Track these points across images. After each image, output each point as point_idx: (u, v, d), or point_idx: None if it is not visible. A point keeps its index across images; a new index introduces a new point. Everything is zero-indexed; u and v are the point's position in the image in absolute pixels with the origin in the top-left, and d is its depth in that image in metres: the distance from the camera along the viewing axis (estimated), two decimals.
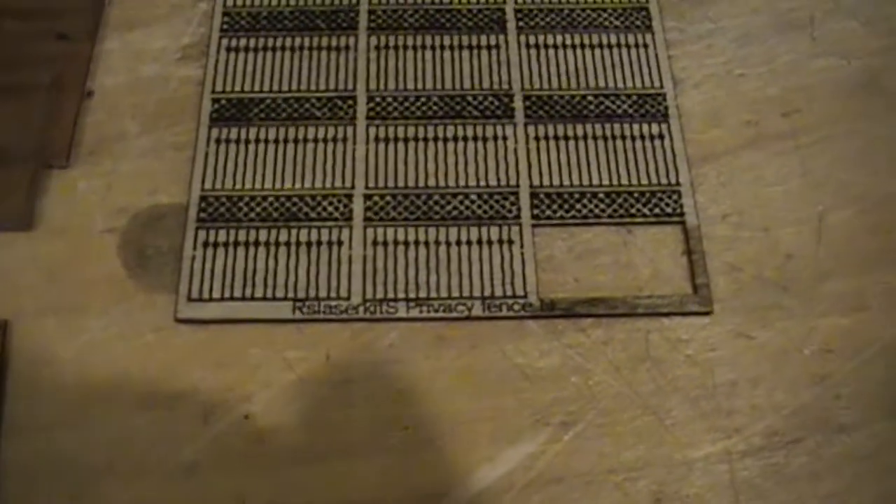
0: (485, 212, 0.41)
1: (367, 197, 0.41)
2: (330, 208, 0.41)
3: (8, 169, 0.43)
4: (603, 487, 0.37)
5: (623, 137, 0.42)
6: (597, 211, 0.41)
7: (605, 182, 0.41)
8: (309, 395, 0.38)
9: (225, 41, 0.45)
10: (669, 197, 0.41)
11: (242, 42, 0.45)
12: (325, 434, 0.38)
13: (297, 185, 0.42)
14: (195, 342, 0.40)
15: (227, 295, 0.40)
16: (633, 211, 0.41)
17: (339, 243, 0.40)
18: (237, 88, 0.44)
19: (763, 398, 0.38)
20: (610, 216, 0.41)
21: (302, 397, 0.38)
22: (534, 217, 0.41)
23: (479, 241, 0.40)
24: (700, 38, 0.46)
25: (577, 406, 0.38)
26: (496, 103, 0.43)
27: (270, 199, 0.41)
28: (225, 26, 0.45)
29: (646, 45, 0.45)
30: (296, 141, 0.42)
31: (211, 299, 0.39)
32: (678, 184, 0.41)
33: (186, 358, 0.39)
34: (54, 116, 0.44)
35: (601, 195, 0.41)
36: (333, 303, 0.39)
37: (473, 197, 0.41)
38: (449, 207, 0.41)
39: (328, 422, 0.38)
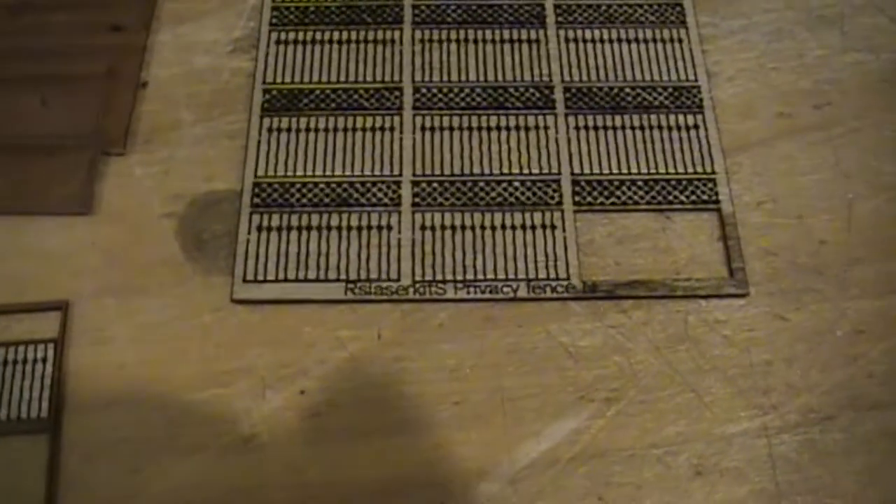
0: (528, 198, 0.42)
1: (415, 183, 0.43)
2: (379, 194, 0.43)
3: (66, 155, 0.45)
4: (645, 461, 0.38)
5: (660, 128, 0.44)
6: (636, 198, 0.42)
7: (644, 170, 0.43)
8: (362, 373, 0.40)
9: (274, 34, 0.47)
10: (705, 185, 0.43)
11: (291, 35, 0.47)
12: (378, 410, 0.39)
13: (348, 172, 0.43)
14: (251, 322, 0.41)
15: (281, 277, 0.41)
16: (670, 198, 0.42)
17: (389, 227, 0.42)
18: (287, 80, 0.46)
19: (798, 377, 0.40)
20: (648, 203, 0.42)
21: (355, 374, 0.40)
22: (575, 203, 0.42)
23: (523, 226, 0.42)
24: (733, 33, 0.47)
25: (620, 383, 0.40)
26: (537, 94, 0.45)
27: (322, 185, 0.43)
28: (274, 20, 0.47)
29: (680, 40, 0.46)
30: (345, 130, 0.44)
31: (266, 281, 0.41)
32: (713, 172, 0.43)
33: (243, 337, 0.41)
34: (110, 105, 0.46)
35: (640, 182, 0.43)
36: (384, 284, 0.41)
37: (517, 184, 0.43)
38: (493, 194, 0.43)
39: (380, 398, 0.40)
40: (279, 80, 0.46)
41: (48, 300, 0.42)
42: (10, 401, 0.41)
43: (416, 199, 0.42)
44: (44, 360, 0.41)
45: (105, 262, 0.43)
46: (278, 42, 0.46)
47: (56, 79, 0.47)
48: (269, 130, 0.44)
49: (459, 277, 0.41)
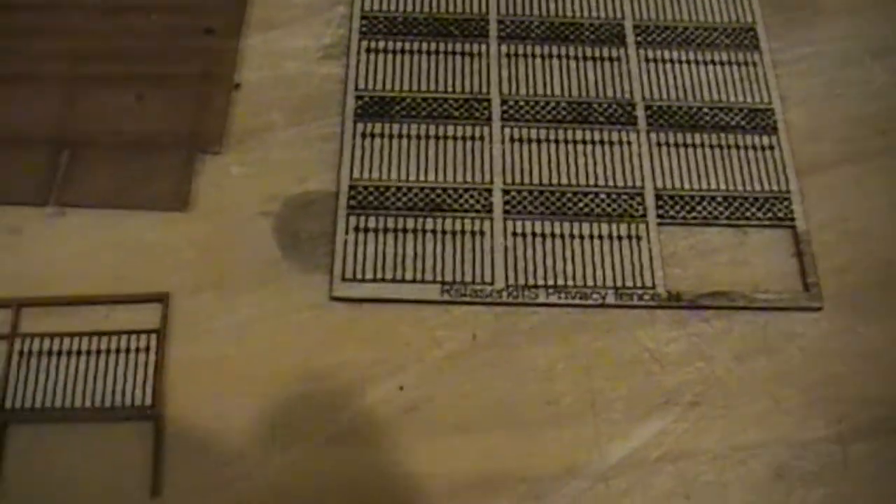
0: (613, 210, 0.45)
1: (506, 192, 0.45)
2: (471, 200, 0.45)
3: (163, 153, 0.46)
4: (728, 463, 0.41)
5: (737, 147, 0.46)
6: (715, 213, 0.45)
7: (722, 187, 0.45)
8: (457, 371, 0.42)
9: (364, 43, 0.49)
10: (780, 203, 0.45)
11: (381, 44, 0.49)
12: (473, 407, 0.41)
13: (440, 178, 0.45)
14: (349, 319, 0.43)
15: (378, 276, 0.43)
16: (747, 214, 0.45)
17: (482, 233, 0.44)
18: (378, 87, 0.47)
19: (871, 388, 0.42)
20: (727, 218, 0.45)
21: (451, 372, 0.42)
22: (659, 216, 0.44)
23: (610, 236, 0.44)
24: (803, 58, 0.50)
25: (703, 388, 0.42)
26: (619, 111, 0.47)
27: (415, 189, 0.45)
28: (364, 29, 0.49)
29: (754, 64, 0.49)
30: (436, 138, 0.46)
31: (364, 280, 0.43)
32: (788, 191, 0.45)
33: (341, 333, 0.43)
34: (206, 106, 0.47)
35: (719, 199, 0.45)
36: (478, 287, 0.43)
37: (603, 196, 0.45)
38: (581, 204, 0.45)
39: (476, 395, 0.41)
40: (370, 86, 0.47)
41: (149, 292, 0.44)
42: (114, 388, 0.42)
43: (507, 207, 0.44)
44: (146, 350, 0.43)
45: (203, 257, 0.44)
46: (368, 50, 0.48)
47: (151, 79, 0.48)
48: (363, 135, 0.46)
49: (550, 283, 0.43)
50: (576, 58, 0.48)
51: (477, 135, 0.46)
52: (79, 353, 0.43)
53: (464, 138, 0.46)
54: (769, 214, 0.44)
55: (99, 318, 0.43)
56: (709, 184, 0.45)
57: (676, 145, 0.46)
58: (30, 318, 0.44)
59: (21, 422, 0.42)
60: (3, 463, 0.41)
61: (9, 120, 0.47)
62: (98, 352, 0.43)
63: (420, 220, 0.44)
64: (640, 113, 0.47)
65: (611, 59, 0.48)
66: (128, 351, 0.43)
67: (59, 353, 0.43)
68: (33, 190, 0.46)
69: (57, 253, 0.45)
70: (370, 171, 0.45)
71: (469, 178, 0.45)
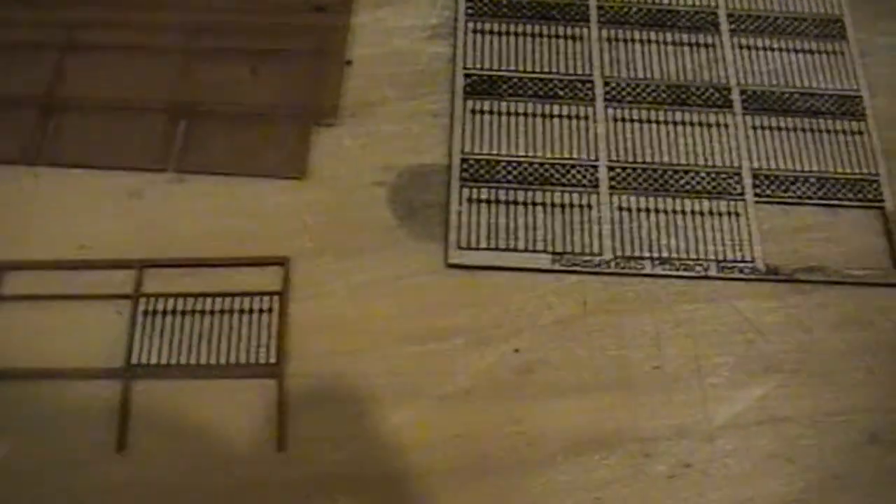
0: (713, 187, 0.47)
1: (610, 168, 0.47)
2: (578, 176, 0.47)
3: (280, 124, 0.48)
4: (825, 426, 0.43)
5: (827, 131, 0.49)
6: (808, 193, 0.47)
7: (815, 168, 0.48)
8: (570, 336, 0.44)
9: (471, 24, 0.51)
10: (869, 185, 0.47)
11: (487, 25, 0.51)
12: (586, 369, 0.43)
13: (548, 154, 0.47)
14: (465, 285, 0.45)
15: (492, 245, 0.45)
16: (838, 195, 0.47)
17: (589, 206, 0.46)
18: (486, 66, 0.50)
19: None
20: (820, 198, 0.47)
21: (564, 337, 0.44)
22: (756, 195, 0.47)
23: (710, 213, 0.46)
24: (890, 48, 0.52)
25: (801, 356, 0.44)
26: (716, 95, 0.49)
27: (525, 164, 0.47)
28: (469, 10, 0.51)
29: (842, 53, 0.51)
30: (543, 116, 0.48)
31: (478, 248, 0.45)
32: (876, 174, 0.48)
33: (457, 298, 0.45)
34: (319, 80, 0.49)
35: (812, 179, 0.47)
36: (587, 257, 0.45)
37: (703, 174, 0.47)
38: (682, 182, 0.47)
39: (587, 359, 0.44)
40: (478, 65, 0.49)
41: (270, 255, 0.45)
42: (238, 347, 0.44)
43: (613, 183, 0.46)
44: (269, 311, 0.44)
45: (321, 223, 0.46)
46: (475, 31, 0.50)
47: (265, 53, 0.50)
48: (473, 112, 0.48)
49: (655, 255, 0.45)
50: (673, 43, 0.50)
51: (581, 114, 0.48)
52: (202, 312, 0.45)
53: (569, 117, 0.48)
54: (859, 195, 0.47)
55: (221, 280, 0.45)
56: (802, 165, 0.47)
57: (770, 128, 0.48)
58: (153, 280, 0.45)
59: (147, 377, 0.43)
60: (129, 418, 0.42)
61: (128, 89, 0.49)
62: (222, 312, 0.45)
63: (530, 192, 0.46)
64: (735, 97, 0.49)
65: (706, 46, 0.50)
66: (251, 311, 0.44)
67: (184, 313, 0.45)
68: (152, 156, 0.48)
69: (177, 217, 0.47)
70: (480, 146, 0.47)
71: (575, 155, 0.47)
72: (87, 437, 0.42)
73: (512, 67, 0.49)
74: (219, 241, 0.46)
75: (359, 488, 0.41)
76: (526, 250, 0.45)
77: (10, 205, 0.47)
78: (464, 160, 0.46)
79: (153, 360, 0.44)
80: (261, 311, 0.44)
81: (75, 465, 0.42)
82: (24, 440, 0.43)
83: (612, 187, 0.46)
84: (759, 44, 0.51)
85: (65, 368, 0.43)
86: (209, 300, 0.45)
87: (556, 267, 0.44)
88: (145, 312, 0.45)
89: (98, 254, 0.46)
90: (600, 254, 0.44)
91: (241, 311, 0.44)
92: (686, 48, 0.50)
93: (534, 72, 0.49)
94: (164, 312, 0.44)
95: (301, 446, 0.42)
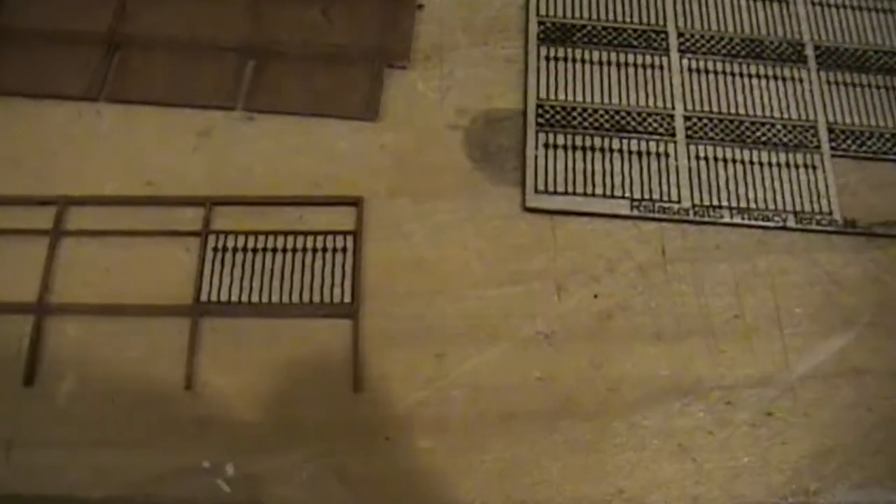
0: (790, 140, 0.46)
1: (687, 118, 0.46)
2: (654, 124, 0.46)
3: (352, 66, 0.48)
4: None
5: None
6: (884, 148, 0.47)
7: (890, 125, 0.47)
8: (649, 283, 0.44)
9: None
10: None
11: None
12: (665, 316, 0.43)
13: (623, 102, 0.47)
14: (542, 229, 0.44)
15: (569, 190, 0.44)
16: None
17: (666, 155, 0.45)
18: (559, 14, 0.49)
19: None
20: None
21: (642, 283, 0.44)
22: (832, 149, 0.46)
23: (787, 165, 0.46)
24: None
25: (878, 310, 0.44)
26: (790, 50, 0.49)
27: (600, 111, 0.46)
28: None
29: None
30: (617, 64, 0.48)
31: (556, 192, 0.44)
32: None
33: (535, 242, 0.44)
34: (390, 23, 0.49)
35: (887, 135, 0.47)
36: (666, 205, 0.44)
37: (779, 127, 0.47)
38: (758, 133, 0.46)
39: (667, 306, 0.43)
40: (552, 13, 0.49)
41: (343, 195, 0.45)
42: (312, 286, 0.43)
43: (689, 132, 0.46)
44: (343, 250, 0.44)
45: (395, 165, 0.45)
46: None
47: None
48: (546, 58, 0.47)
49: (734, 204, 0.44)
50: None
51: (656, 63, 0.48)
52: (274, 251, 0.44)
53: (643, 66, 0.48)
54: None
55: (292, 219, 0.45)
56: (877, 121, 0.47)
57: (845, 84, 0.48)
58: (222, 218, 0.44)
59: (216, 315, 0.42)
60: (198, 354, 0.41)
61: (197, 29, 0.48)
62: (294, 250, 0.44)
63: (606, 139, 0.45)
64: (809, 52, 0.49)
65: (779, 0, 0.50)
66: (324, 250, 0.44)
67: (255, 251, 0.44)
68: (221, 94, 0.47)
69: (247, 156, 0.46)
70: (556, 92, 0.46)
71: (651, 104, 0.46)
72: (155, 373, 0.41)
73: (585, 16, 0.48)
74: (290, 180, 0.45)
75: (437, 430, 0.40)
76: (604, 196, 0.44)
77: (74, 141, 0.47)
78: (539, 106, 0.46)
79: (223, 298, 0.42)
80: (335, 250, 0.43)
81: (142, 402, 0.41)
82: (90, 377, 0.41)
83: (688, 136, 0.46)
84: (833, 1, 0.50)
85: (131, 305, 0.42)
86: (281, 238, 0.44)
87: (635, 213, 0.44)
88: (215, 249, 0.44)
89: (165, 191, 0.45)
90: (678, 201, 0.44)
91: (315, 250, 0.44)
92: (759, 2, 0.50)
93: (607, 20, 0.48)
94: (235, 250, 0.44)
95: (378, 387, 0.41)
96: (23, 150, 0.47)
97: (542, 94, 0.46)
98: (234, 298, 0.42)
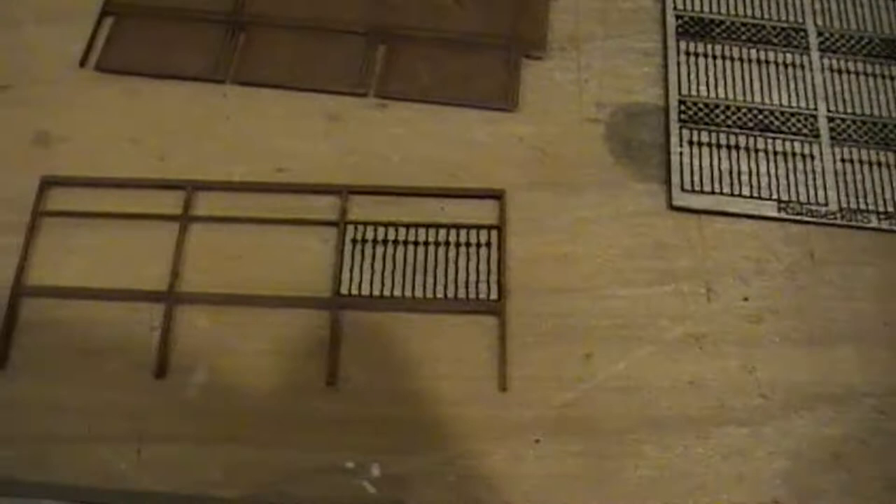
0: None
1: (830, 118, 0.45)
2: (798, 125, 0.45)
3: (486, 54, 0.46)
4: None
5: None
6: None
7: None
8: (797, 286, 0.43)
9: None
10: None
11: None
12: (815, 321, 0.42)
13: (766, 101, 0.46)
14: (688, 228, 0.43)
15: (715, 189, 0.43)
16: None
17: (811, 156, 0.44)
18: (697, 8, 0.48)
19: None
20: None
21: (791, 287, 0.43)
22: None
23: None
24: None
25: None
26: None
27: (743, 109, 0.45)
28: None
29: None
30: (758, 62, 0.47)
31: (702, 191, 0.43)
32: None
33: (681, 241, 0.43)
34: (525, 12, 0.47)
35: None
36: (813, 207, 0.43)
37: None
38: None
39: (816, 311, 0.42)
40: (689, 7, 0.48)
41: (485, 188, 0.43)
42: (456, 281, 0.42)
43: (833, 134, 0.45)
44: (487, 245, 0.42)
45: (534, 157, 0.44)
46: None
47: None
48: (686, 53, 0.46)
49: (881, 209, 0.43)
50: None
51: (797, 62, 0.47)
52: (415, 243, 0.42)
53: (784, 65, 0.46)
54: None
55: (433, 211, 0.43)
56: None
57: None
58: (357, 207, 0.43)
59: (356, 309, 0.41)
60: (340, 346, 0.40)
61: (322, 11, 0.47)
62: (436, 244, 0.42)
63: (751, 138, 0.44)
64: None
65: None
66: (468, 245, 0.42)
67: (395, 243, 0.42)
68: (352, 80, 0.46)
69: (380, 143, 0.45)
70: (697, 88, 0.45)
71: (794, 103, 0.45)
72: (293, 367, 0.40)
73: (723, 11, 0.47)
74: (426, 170, 0.44)
75: (587, 433, 0.39)
76: (751, 196, 0.43)
77: (197, 122, 0.45)
78: (681, 102, 0.45)
79: (364, 292, 0.41)
80: (478, 244, 0.42)
81: (279, 397, 0.40)
82: (222, 369, 0.40)
83: (832, 138, 0.45)
84: None
85: (265, 295, 0.41)
86: (423, 231, 0.42)
87: (782, 215, 0.43)
88: (353, 241, 0.42)
89: (297, 178, 0.44)
90: (825, 204, 0.43)
91: (458, 245, 0.42)
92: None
93: (745, 16, 0.47)
94: (375, 241, 0.42)
95: (524, 387, 0.40)
96: (143, 129, 0.45)
97: (684, 90, 0.45)
98: (376, 292, 0.41)
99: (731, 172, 0.43)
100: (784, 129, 0.45)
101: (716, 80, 0.46)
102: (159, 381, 0.40)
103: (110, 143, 0.45)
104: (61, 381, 0.41)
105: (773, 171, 0.44)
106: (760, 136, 0.44)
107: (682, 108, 0.45)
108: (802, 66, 0.46)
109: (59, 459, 0.39)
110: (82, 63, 0.47)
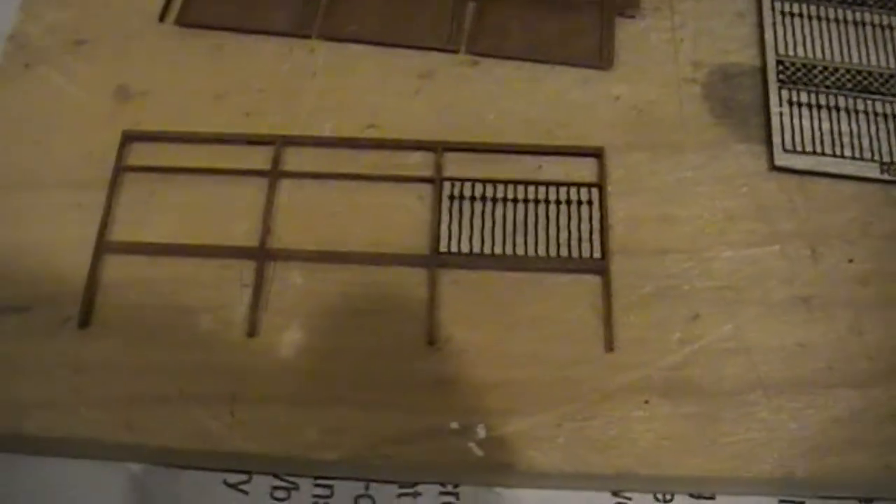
0: None
1: None
2: None
3: (578, 12, 0.45)
4: None
5: None
6: None
7: None
8: None
9: None
10: None
11: None
12: None
13: (864, 62, 0.45)
14: (790, 189, 0.42)
15: (817, 150, 0.42)
16: None
17: None
18: None
19: None
20: None
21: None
22: None
23: None
24: None
25: None
26: None
27: (842, 70, 0.45)
28: None
29: None
30: (854, 23, 0.46)
31: (803, 152, 0.42)
32: None
33: (785, 203, 0.42)
34: None
35: None
36: None
37: None
38: None
39: None
40: None
41: (584, 146, 0.42)
42: (558, 239, 0.41)
43: None
44: (589, 203, 0.41)
45: (631, 116, 0.43)
46: None
47: None
48: (782, 13, 0.45)
49: None
50: None
51: (893, 24, 0.45)
52: (515, 200, 0.41)
53: (881, 26, 0.46)
54: None
55: (530, 169, 0.42)
56: None
57: None
58: (453, 164, 0.42)
59: (455, 267, 0.40)
60: (440, 305, 0.40)
61: None
62: (536, 201, 0.41)
63: (850, 100, 0.43)
64: None
65: None
66: (568, 202, 0.41)
67: (494, 200, 0.41)
68: (442, 37, 0.45)
69: (473, 101, 0.44)
70: (794, 49, 0.44)
71: (892, 65, 0.44)
72: (392, 327, 0.39)
73: None
74: (521, 128, 0.43)
75: (698, 396, 0.38)
76: (853, 157, 0.42)
77: (284, 79, 0.44)
78: (779, 62, 0.44)
79: (463, 249, 0.40)
80: (579, 202, 0.41)
81: (377, 357, 0.39)
82: (317, 328, 0.39)
83: None
84: None
85: (360, 252, 0.41)
86: (521, 188, 0.41)
87: (885, 177, 0.42)
88: (451, 197, 0.41)
89: (389, 134, 0.42)
90: None
91: (558, 202, 0.41)
92: None
93: None
94: (473, 198, 0.41)
95: (631, 348, 0.39)
96: (227, 85, 0.44)
97: (781, 51, 0.44)
98: (476, 250, 0.40)
99: (832, 133, 0.43)
100: (884, 90, 0.44)
101: (813, 40, 0.45)
102: (252, 339, 0.39)
103: (193, 99, 0.44)
104: (149, 340, 0.39)
105: (874, 132, 0.43)
106: (860, 97, 0.44)
107: (780, 68, 0.44)
108: (892, 28, 0.45)
109: (148, 421, 0.38)
110: (162, 18, 0.45)
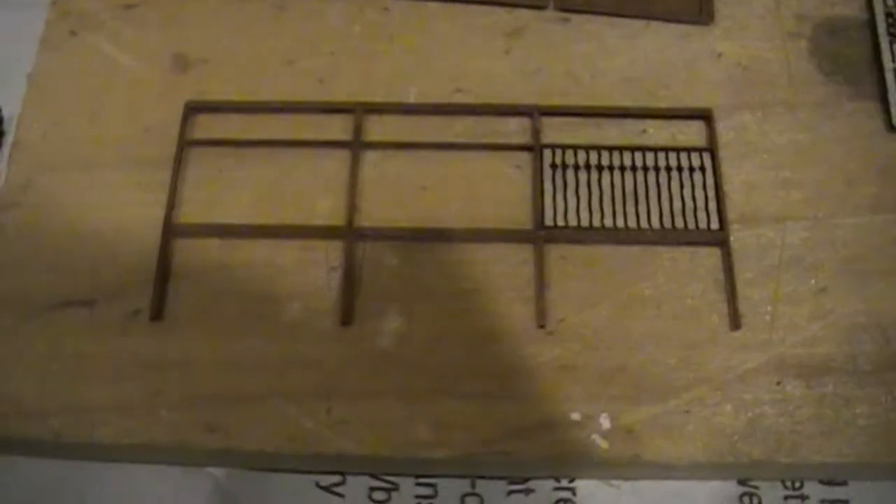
0: None
1: None
2: None
3: None
4: None
5: None
6: None
7: None
8: None
9: None
10: None
11: None
12: None
13: None
14: None
15: None
16: None
17: None
18: None
19: None
20: None
21: None
22: None
23: None
24: None
25: None
26: None
27: None
28: None
29: None
30: None
31: None
32: None
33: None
34: None
35: None
36: None
37: None
38: None
39: None
40: None
41: (691, 107, 0.39)
42: (671, 209, 0.38)
43: None
44: (701, 169, 0.38)
45: (737, 75, 0.40)
46: None
47: None
48: None
49: None
50: None
51: None
52: (622, 168, 0.38)
53: None
54: None
55: (634, 133, 0.39)
56: None
57: None
58: (551, 130, 0.38)
59: (564, 241, 0.37)
60: (549, 283, 0.37)
61: None
62: (645, 168, 0.38)
63: None
64: None
65: None
66: (679, 169, 0.38)
67: (600, 168, 0.38)
68: None
69: (566, 61, 0.40)
70: None
71: None
72: (499, 309, 0.36)
73: None
74: (619, 88, 0.40)
75: (830, 374, 0.35)
76: None
77: (359, 42, 0.41)
78: (888, 14, 0.40)
79: (571, 222, 0.36)
80: (690, 168, 0.37)
81: (487, 344, 0.36)
82: (418, 314, 0.35)
83: None
84: None
85: (457, 229, 0.37)
86: (627, 154, 0.38)
87: None
88: (553, 166, 0.37)
89: (478, 99, 0.39)
90: None
91: (668, 169, 0.38)
92: None
93: None
94: (576, 167, 0.37)
95: (757, 325, 0.37)
96: (296, 50, 0.40)
97: (890, 1, 0.41)
98: (584, 223, 0.36)
99: None
100: None
101: None
102: (346, 328, 0.35)
103: (259, 65, 0.40)
104: (231, 332, 0.35)
105: None
106: None
107: (890, 20, 0.40)
108: None
109: (233, 422, 0.33)
110: None
